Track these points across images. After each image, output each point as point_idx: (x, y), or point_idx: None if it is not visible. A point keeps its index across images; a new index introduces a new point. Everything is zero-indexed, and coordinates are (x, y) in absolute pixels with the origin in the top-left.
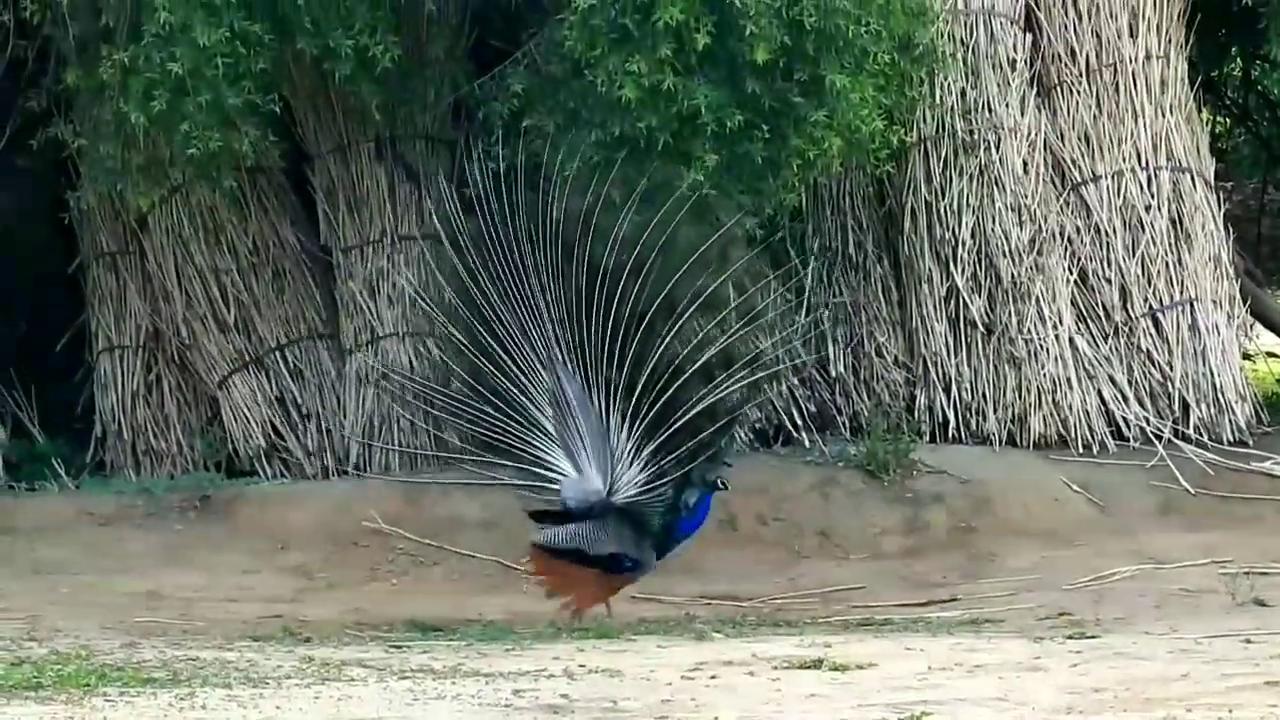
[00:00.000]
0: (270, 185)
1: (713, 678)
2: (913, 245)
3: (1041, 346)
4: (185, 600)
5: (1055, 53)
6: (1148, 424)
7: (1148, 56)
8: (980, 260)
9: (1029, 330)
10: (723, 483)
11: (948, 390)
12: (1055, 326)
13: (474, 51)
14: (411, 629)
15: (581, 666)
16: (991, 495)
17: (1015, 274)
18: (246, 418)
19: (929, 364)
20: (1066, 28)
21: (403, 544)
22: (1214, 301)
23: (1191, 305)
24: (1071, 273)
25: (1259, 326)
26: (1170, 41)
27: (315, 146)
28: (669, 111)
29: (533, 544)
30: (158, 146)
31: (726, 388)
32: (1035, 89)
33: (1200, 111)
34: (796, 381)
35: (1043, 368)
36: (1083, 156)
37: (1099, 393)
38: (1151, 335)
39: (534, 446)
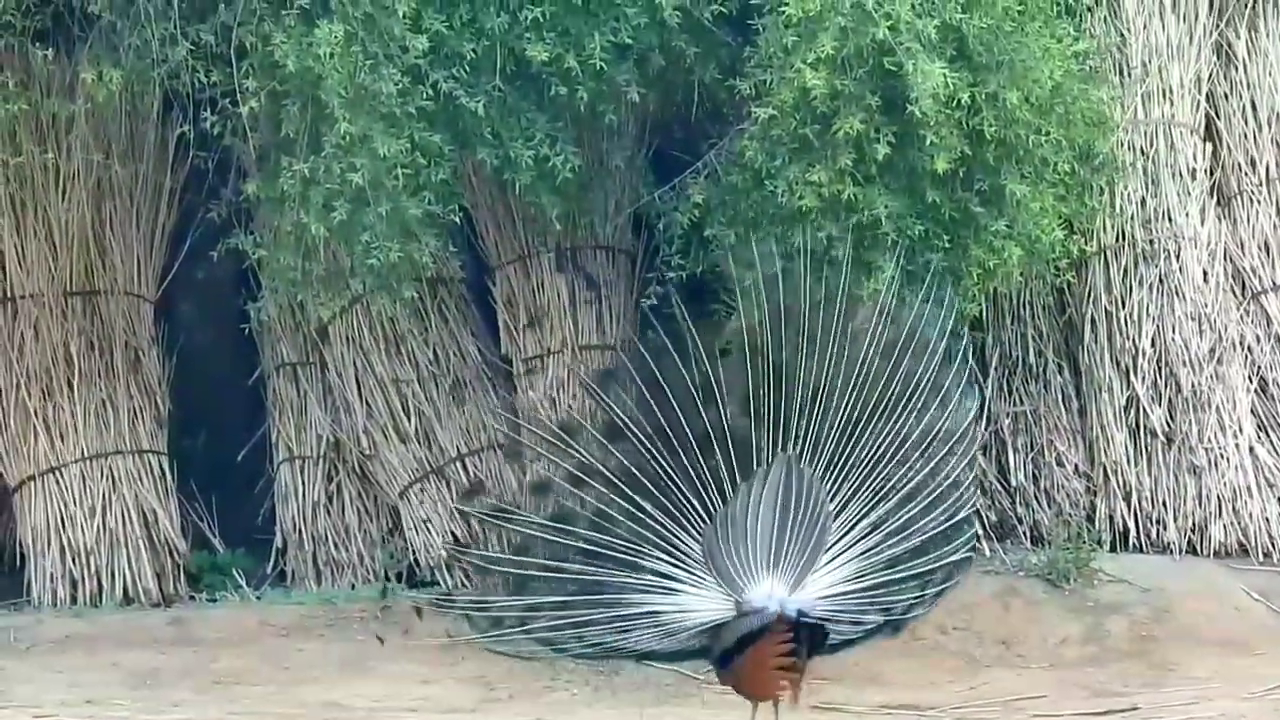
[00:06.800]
0: (451, 296)
1: None
2: (1093, 354)
3: (1222, 455)
4: (366, 710)
5: (1235, 162)
6: None
7: None
8: (1160, 369)
9: (1209, 439)
10: None
11: (1128, 499)
12: (1235, 435)
13: (654, 161)
14: None
15: None
16: (1172, 604)
17: (1195, 383)
18: (427, 528)
19: (1109, 473)
20: (1246, 137)
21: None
22: None
23: None
24: (1251, 381)
25: None
26: None
27: (495, 257)
28: (849, 221)
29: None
30: (338, 257)
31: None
32: (1215, 198)
33: None
34: (978, 491)
35: (1223, 476)
36: (1263, 265)
37: (1279, 501)
38: None
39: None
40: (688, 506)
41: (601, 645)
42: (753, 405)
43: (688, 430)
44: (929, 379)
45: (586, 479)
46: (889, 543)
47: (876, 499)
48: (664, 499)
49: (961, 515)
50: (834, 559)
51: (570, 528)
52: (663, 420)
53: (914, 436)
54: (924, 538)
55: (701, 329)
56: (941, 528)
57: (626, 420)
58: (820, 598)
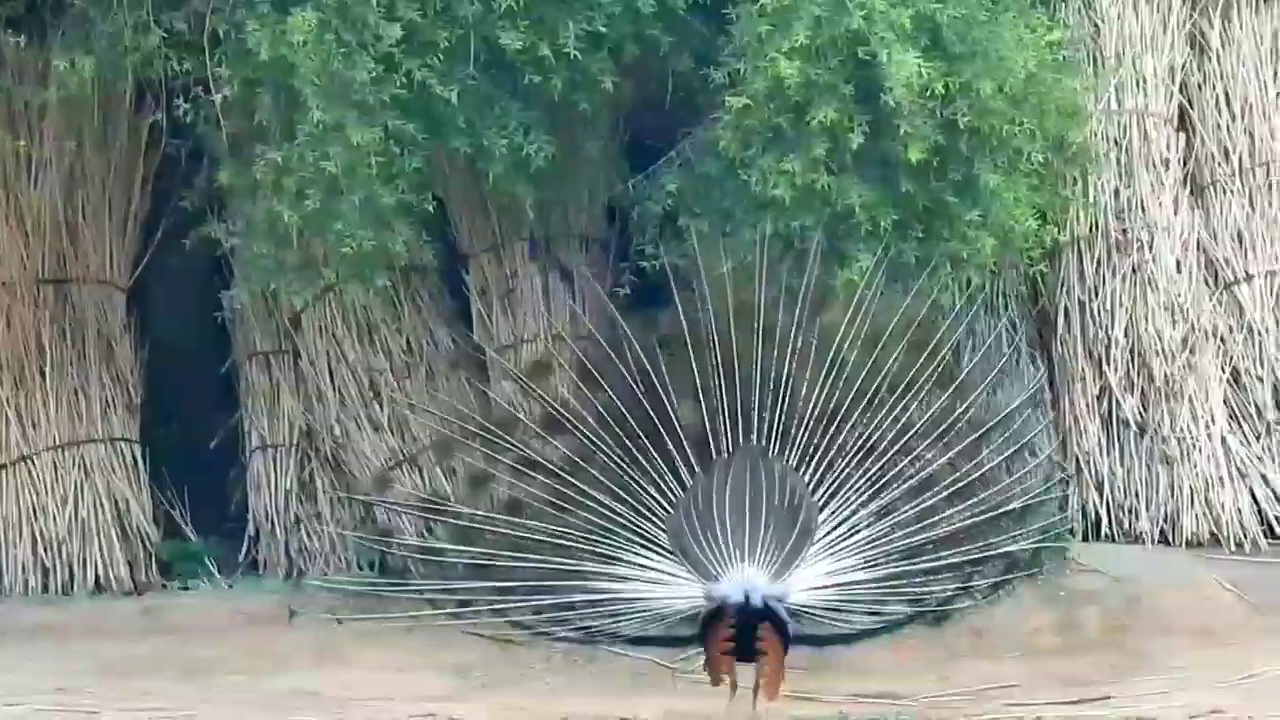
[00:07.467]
0: (424, 285)
1: None
2: (1066, 344)
3: (1194, 446)
4: (340, 698)
5: (1208, 152)
6: None
7: None
8: (1133, 359)
9: (1181, 429)
10: None
11: (1100, 489)
12: (1208, 425)
13: (628, 150)
14: None
15: None
16: (1144, 594)
17: (1168, 373)
18: (400, 516)
19: (1082, 463)
20: (1219, 127)
21: (557, 642)
22: None
23: None
24: (1224, 372)
25: None
26: None
27: (469, 246)
28: (823, 211)
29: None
30: (311, 246)
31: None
32: (1188, 188)
33: None
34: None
35: (1195, 467)
36: (1235, 255)
37: (1251, 491)
38: None
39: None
40: (647, 496)
41: (587, 630)
42: (705, 397)
43: (632, 421)
44: (934, 369)
45: (527, 471)
46: (902, 533)
47: (875, 489)
48: (618, 489)
49: (1009, 507)
50: (832, 549)
51: (507, 517)
52: (604, 411)
53: (920, 426)
54: (954, 528)
55: (637, 321)
56: (980, 518)
57: (563, 412)
58: (814, 587)
